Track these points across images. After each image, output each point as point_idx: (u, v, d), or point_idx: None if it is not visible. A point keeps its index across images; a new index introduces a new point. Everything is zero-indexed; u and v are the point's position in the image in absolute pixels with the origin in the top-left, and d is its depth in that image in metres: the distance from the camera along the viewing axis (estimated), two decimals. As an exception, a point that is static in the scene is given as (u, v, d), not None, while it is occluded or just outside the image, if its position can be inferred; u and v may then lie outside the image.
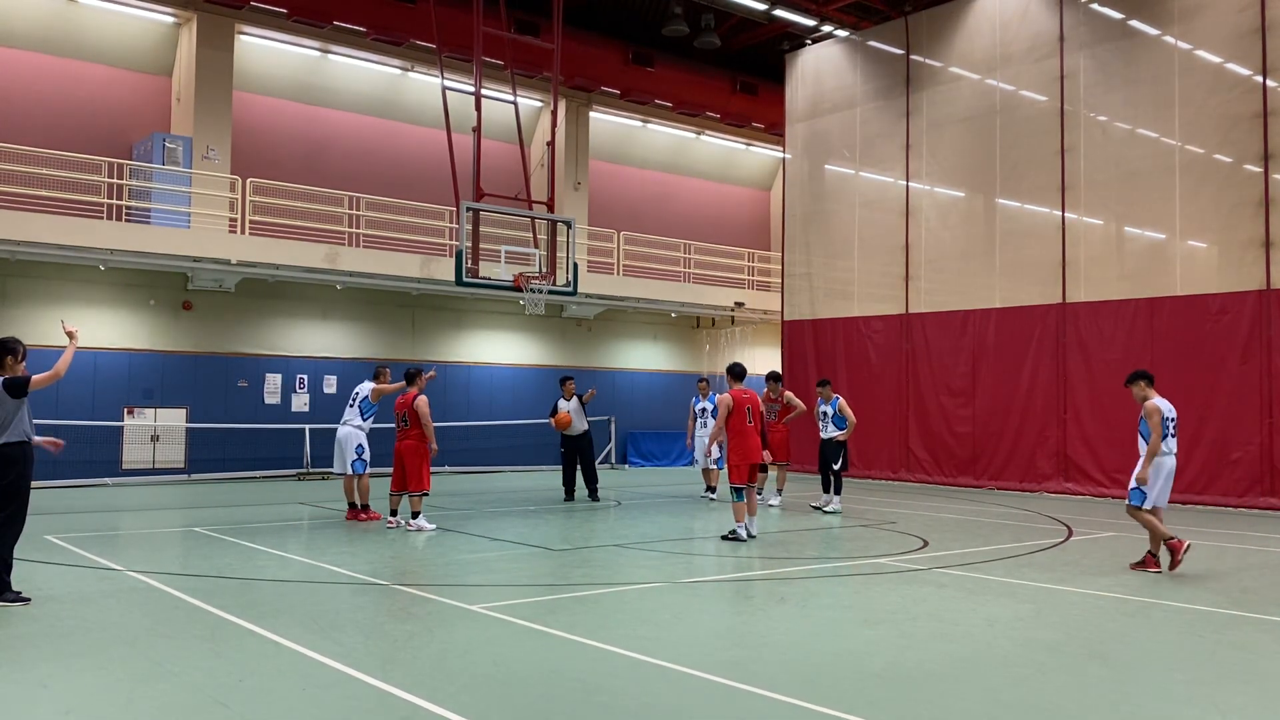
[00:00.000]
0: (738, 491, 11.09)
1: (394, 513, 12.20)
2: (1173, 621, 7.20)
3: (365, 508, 12.80)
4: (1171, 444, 9.32)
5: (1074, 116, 17.72)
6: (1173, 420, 9.34)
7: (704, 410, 16.51)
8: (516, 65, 17.65)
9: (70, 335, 7.84)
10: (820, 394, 14.85)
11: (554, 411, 15.94)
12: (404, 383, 12.37)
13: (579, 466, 15.88)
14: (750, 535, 11.08)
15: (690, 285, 25.01)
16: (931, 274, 19.91)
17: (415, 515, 11.91)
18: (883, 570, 9.33)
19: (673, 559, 10.17)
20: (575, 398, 15.94)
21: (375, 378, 13.07)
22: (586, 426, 16.01)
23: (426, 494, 12.10)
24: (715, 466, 16.29)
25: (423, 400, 12.08)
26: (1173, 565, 9.12)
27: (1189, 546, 9.11)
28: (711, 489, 16.21)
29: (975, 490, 18.41)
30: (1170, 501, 15.66)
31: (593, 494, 15.77)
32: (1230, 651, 6.32)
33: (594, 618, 7.12)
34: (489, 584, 8.53)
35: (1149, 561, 9.34)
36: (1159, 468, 9.26)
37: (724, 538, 11.16)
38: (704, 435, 16.36)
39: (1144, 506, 9.26)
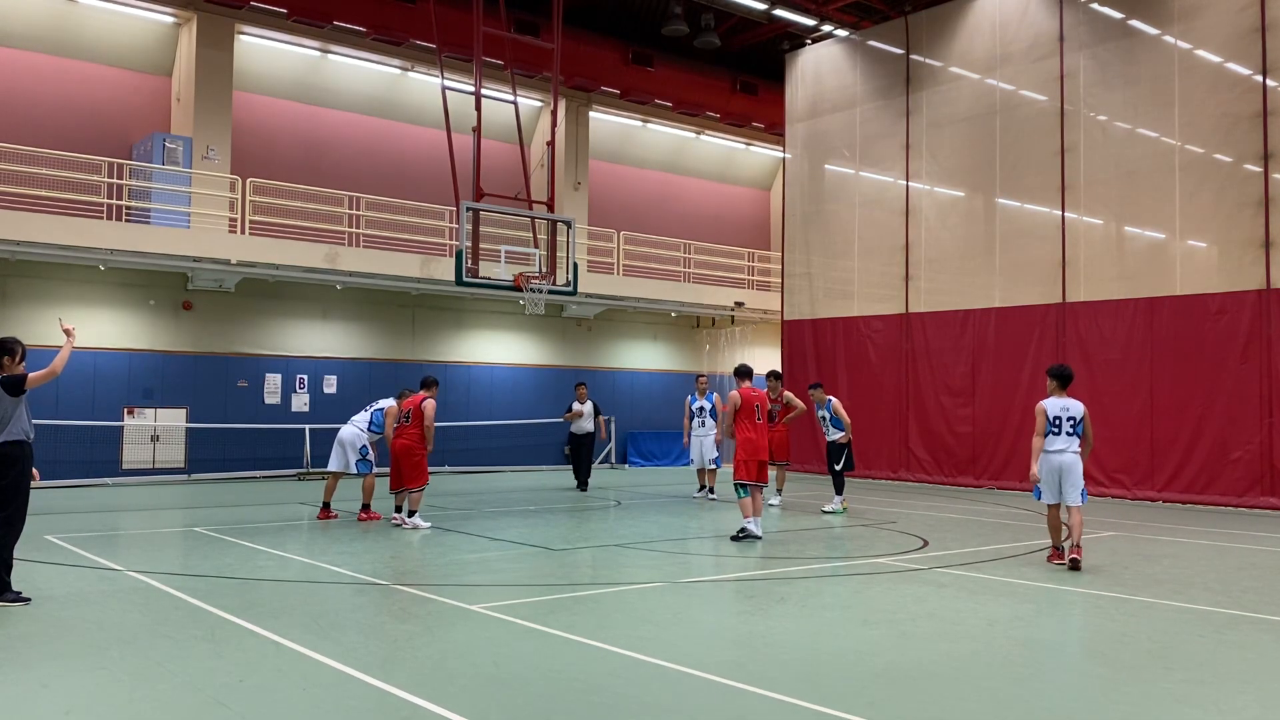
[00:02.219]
0: (744, 488, 11.07)
1: (398, 509, 12.24)
2: (1173, 621, 7.20)
3: (366, 508, 12.83)
4: (1062, 441, 9.48)
5: (1074, 116, 17.72)
6: (1070, 420, 9.49)
7: (701, 409, 16.45)
8: (516, 65, 17.65)
9: (67, 333, 7.85)
10: (814, 397, 14.81)
11: (569, 410, 18.11)
12: (421, 394, 12.46)
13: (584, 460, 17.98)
14: (757, 535, 11.07)
15: (690, 285, 25.01)
16: (931, 274, 19.91)
17: (412, 514, 11.96)
18: (883, 570, 9.33)
19: (673, 559, 10.17)
20: (589, 401, 18.07)
21: (399, 397, 13.10)
22: (593, 428, 17.96)
23: (425, 486, 12.20)
24: (714, 466, 16.30)
25: (430, 403, 12.25)
26: (1061, 559, 9.55)
27: (1071, 562, 9.30)
28: (708, 489, 16.22)
29: (975, 490, 18.41)
30: (1170, 501, 15.96)
31: (583, 485, 17.77)
32: (1230, 651, 6.33)
33: (594, 618, 7.12)
34: (489, 584, 8.53)
35: (1053, 555, 9.73)
36: (1044, 464, 9.52)
37: (735, 537, 11.07)
38: (701, 434, 16.34)
39: (1043, 501, 9.69)
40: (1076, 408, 9.59)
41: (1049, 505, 9.64)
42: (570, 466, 18.64)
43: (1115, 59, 17.32)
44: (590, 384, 24.34)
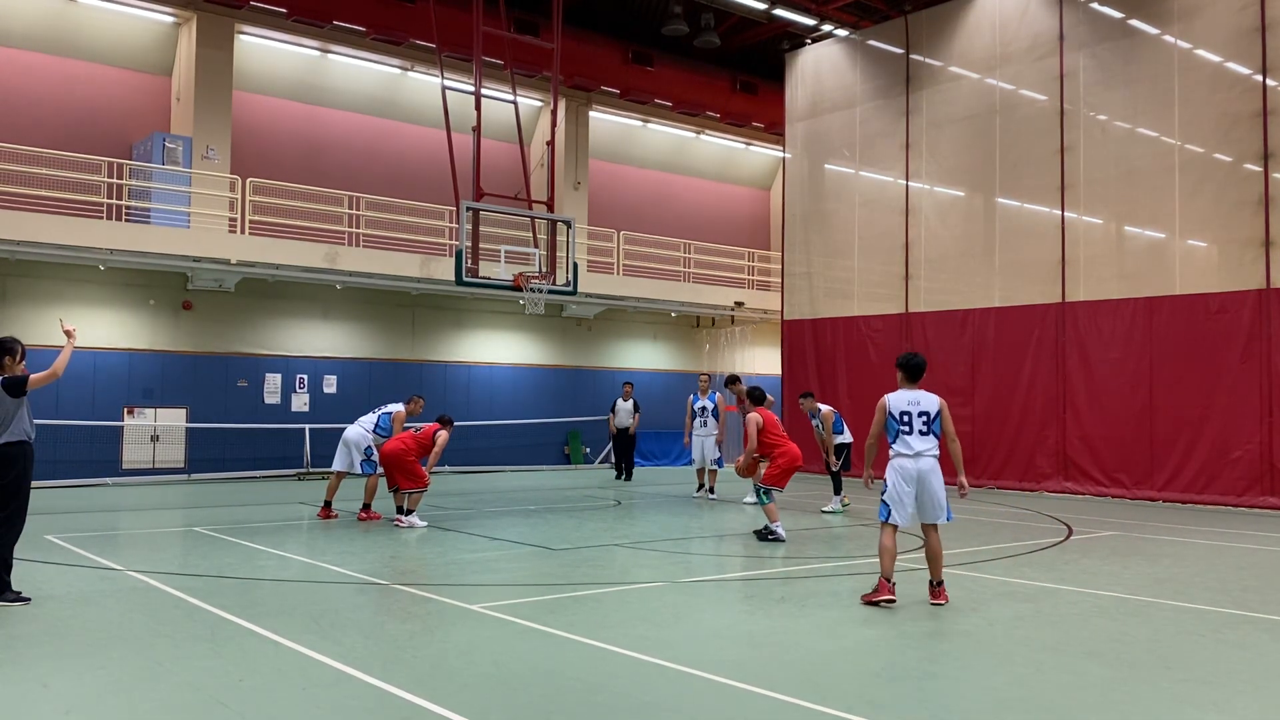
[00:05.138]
0: (769, 494, 11.18)
1: (399, 509, 12.28)
2: (1173, 621, 7.20)
3: (367, 507, 12.84)
4: (918, 441, 7.67)
5: (1074, 116, 17.71)
6: (922, 416, 7.72)
7: (704, 409, 16.46)
8: (516, 65, 17.65)
9: (68, 334, 7.86)
10: (804, 406, 14.86)
11: (613, 408, 20.22)
12: (436, 424, 12.52)
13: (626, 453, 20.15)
14: (783, 538, 11.14)
15: (690, 285, 25.01)
16: (931, 273, 19.91)
17: (409, 513, 12.06)
18: (883, 570, 9.32)
19: (673, 559, 10.17)
20: (631, 399, 19.91)
21: (408, 402, 13.14)
22: (630, 423, 19.86)
23: (426, 489, 12.25)
24: (715, 466, 16.32)
25: (444, 436, 12.30)
26: (891, 595, 7.50)
27: (887, 602, 7.45)
28: (708, 489, 16.23)
29: (975, 489, 18.39)
30: (1170, 500, 15.95)
31: (628, 476, 19.82)
32: (1230, 651, 6.33)
33: (594, 617, 7.13)
34: (489, 584, 8.53)
35: (883, 589, 7.54)
36: (899, 472, 7.68)
37: (765, 538, 11.04)
38: (703, 434, 16.33)
39: (888, 521, 7.66)
40: (930, 401, 7.83)
41: (890, 526, 7.66)
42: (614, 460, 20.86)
43: (1115, 59, 17.31)
44: (590, 384, 24.35)
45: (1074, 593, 8.23)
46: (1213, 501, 15.62)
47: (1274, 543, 11.65)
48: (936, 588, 7.62)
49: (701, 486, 16.36)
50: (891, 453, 7.78)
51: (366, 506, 12.83)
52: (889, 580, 7.54)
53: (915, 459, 7.65)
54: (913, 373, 8.00)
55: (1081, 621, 7.16)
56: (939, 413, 7.82)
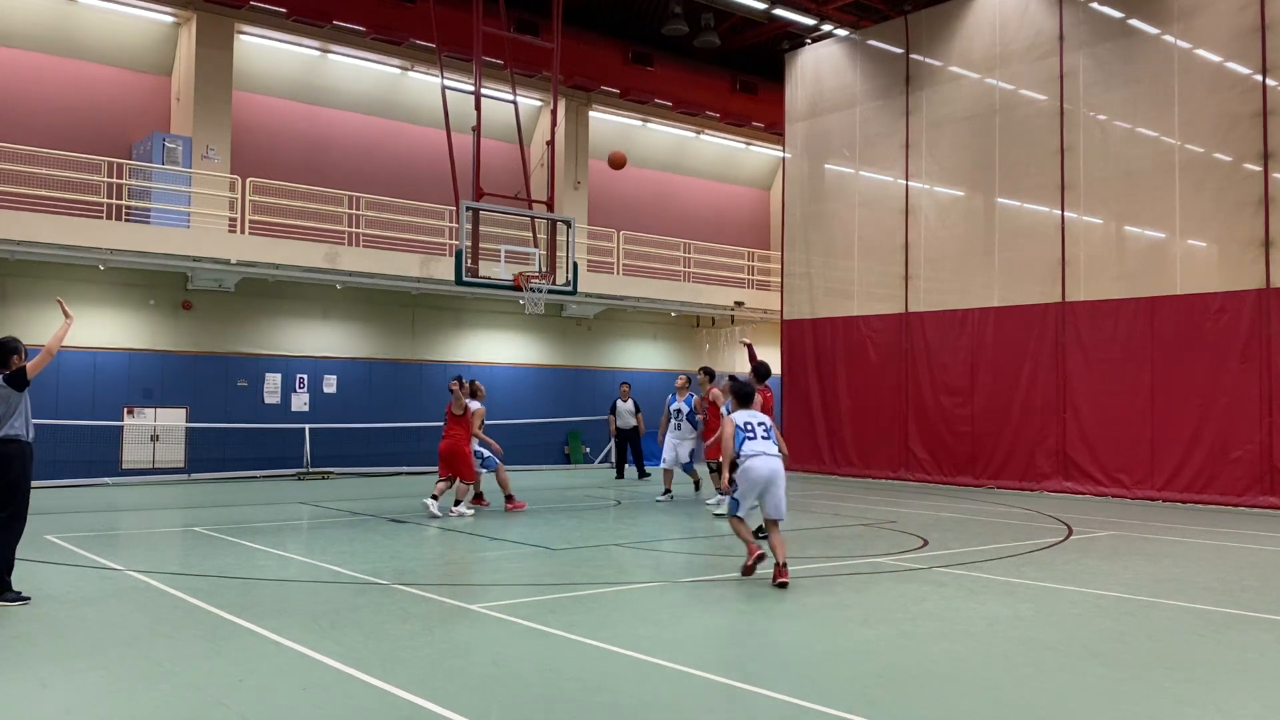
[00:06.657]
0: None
1: (455, 500, 13.16)
2: (1173, 621, 7.20)
3: (510, 498, 13.77)
4: (762, 445, 8.51)
5: (1073, 116, 17.71)
6: (761, 424, 8.64)
7: (679, 411, 16.24)
8: (516, 64, 17.65)
9: (65, 312, 7.94)
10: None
11: (612, 409, 20.10)
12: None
13: (629, 453, 20.11)
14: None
15: (690, 285, 25.02)
16: (931, 273, 19.90)
17: (458, 502, 12.94)
18: (882, 570, 9.33)
19: (673, 559, 10.17)
20: (630, 399, 19.86)
21: (472, 392, 13.95)
22: (635, 423, 19.81)
23: (471, 484, 13.25)
24: (689, 472, 16.20)
25: (474, 405, 13.40)
26: (745, 570, 8.64)
27: (759, 558, 8.62)
28: (695, 487, 16.29)
29: (975, 489, 18.40)
30: (1170, 500, 15.96)
31: (640, 474, 19.78)
32: (1230, 651, 6.33)
33: (594, 617, 7.13)
34: (489, 584, 8.54)
35: (751, 550, 8.71)
36: (752, 473, 8.43)
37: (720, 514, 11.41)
38: (677, 437, 16.06)
39: (737, 514, 8.67)
40: (762, 416, 8.82)
41: (737, 518, 8.69)
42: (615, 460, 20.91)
43: (1115, 58, 17.31)
44: (590, 384, 24.36)
45: (1074, 593, 8.23)
46: (1213, 501, 15.62)
47: (1274, 543, 11.64)
48: (782, 568, 8.32)
49: (667, 491, 16.02)
50: (741, 457, 8.51)
51: (510, 498, 13.71)
52: (752, 542, 8.70)
53: (766, 458, 8.49)
54: (746, 399, 8.94)
55: (1081, 621, 7.16)
56: (772, 425, 8.89)
